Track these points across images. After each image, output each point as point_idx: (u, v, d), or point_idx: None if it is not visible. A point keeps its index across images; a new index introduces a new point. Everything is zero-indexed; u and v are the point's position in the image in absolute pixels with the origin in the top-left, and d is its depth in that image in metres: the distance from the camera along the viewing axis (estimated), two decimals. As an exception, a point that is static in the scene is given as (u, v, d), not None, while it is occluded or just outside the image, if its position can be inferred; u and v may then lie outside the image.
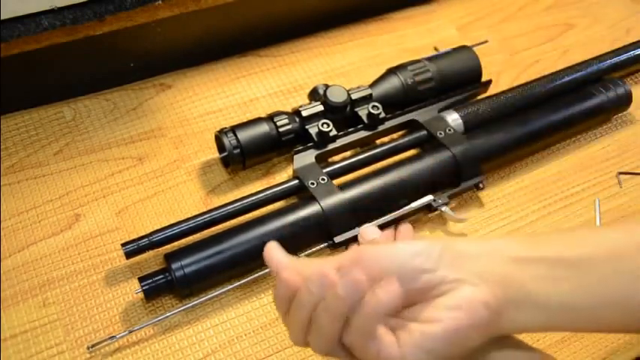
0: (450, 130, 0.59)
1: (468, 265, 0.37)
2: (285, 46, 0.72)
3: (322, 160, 0.58)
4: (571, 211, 0.60)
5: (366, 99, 0.60)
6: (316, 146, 0.57)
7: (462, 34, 0.77)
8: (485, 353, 0.39)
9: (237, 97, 0.67)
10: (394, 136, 0.62)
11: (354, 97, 0.59)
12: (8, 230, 0.54)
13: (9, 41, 0.55)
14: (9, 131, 0.61)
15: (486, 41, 0.73)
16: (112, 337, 0.47)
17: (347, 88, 0.59)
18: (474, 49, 0.65)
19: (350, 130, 0.59)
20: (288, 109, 0.64)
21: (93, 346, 0.47)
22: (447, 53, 0.64)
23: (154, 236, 0.50)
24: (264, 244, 0.50)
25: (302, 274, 0.38)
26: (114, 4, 0.58)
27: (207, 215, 0.52)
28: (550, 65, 0.74)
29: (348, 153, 0.61)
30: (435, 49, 0.74)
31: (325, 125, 0.57)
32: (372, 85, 0.61)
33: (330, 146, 0.58)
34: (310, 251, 0.53)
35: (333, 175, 0.56)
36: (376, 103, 0.59)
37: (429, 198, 0.55)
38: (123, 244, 0.49)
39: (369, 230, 0.50)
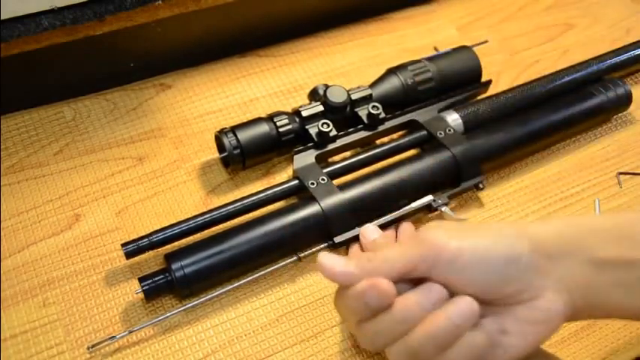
0: (450, 130, 0.59)
1: (552, 268, 0.37)
2: (285, 46, 0.72)
3: (322, 160, 0.58)
4: (571, 211, 0.60)
5: (366, 99, 0.60)
6: (316, 146, 0.57)
7: (462, 34, 0.77)
8: None
9: (237, 97, 0.67)
10: (394, 136, 0.62)
11: (354, 97, 0.59)
12: (8, 230, 0.54)
13: (9, 41, 0.55)
14: (9, 131, 0.61)
15: (486, 41, 0.73)
16: (112, 337, 0.47)
17: (347, 88, 0.59)
18: (474, 49, 0.65)
19: (350, 130, 0.59)
20: (288, 109, 0.64)
21: (93, 346, 0.47)
22: (447, 53, 0.64)
23: (153, 236, 0.50)
24: (264, 244, 0.51)
25: (390, 287, 0.36)
26: (114, 4, 0.58)
27: (207, 215, 0.52)
28: (550, 65, 0.74)
29: (348, 153, 0.61)
30: (435, 49, 0.74)
31: (325, 125, 0.57)
32: (372, 85, 0.61)
33: (330, 146, 0.58)
34: (310, 251, 0.53)
35: (333, 175, 0.56)
36: (376, 103, 0.59)
37: (429, 198, 0.55)
38: (123, 245, 0.49)
39: (369, 229, 0.50)
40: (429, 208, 0.56)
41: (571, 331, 0.52)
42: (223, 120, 0.64)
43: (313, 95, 0.60)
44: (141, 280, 0.49)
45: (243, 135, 0.56)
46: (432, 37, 0.76)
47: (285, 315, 0.51)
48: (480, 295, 0.37)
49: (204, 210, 0.53)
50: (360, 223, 0.54)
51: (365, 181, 0.55)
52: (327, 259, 0.38)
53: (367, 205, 0.54)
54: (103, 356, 0.48)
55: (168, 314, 0.49)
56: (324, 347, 0.50)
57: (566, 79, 0.65)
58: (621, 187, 0.63)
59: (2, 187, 0.57)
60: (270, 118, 0.57)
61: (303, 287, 0.53)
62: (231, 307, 0.51)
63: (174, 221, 0.52)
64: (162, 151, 0.61)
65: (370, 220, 0.54)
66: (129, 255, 0.49)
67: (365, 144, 0.61)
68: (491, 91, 0.66)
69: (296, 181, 0.55)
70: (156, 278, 0.49)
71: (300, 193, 0.56)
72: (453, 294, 0.37)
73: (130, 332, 0.48)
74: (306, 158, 0.57)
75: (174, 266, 0.48)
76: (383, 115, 0.59)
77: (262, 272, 0.52)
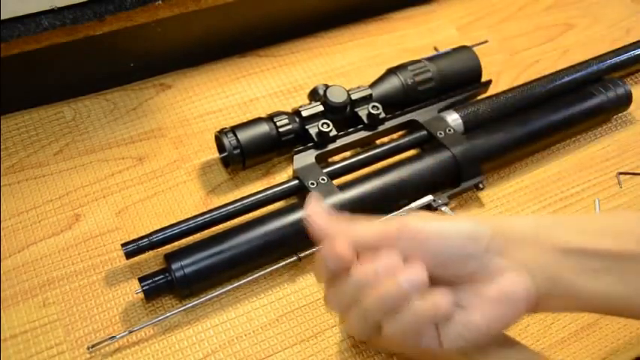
0: (450, 130, 0.59)
1: (514, 252, 0.38)
2: (285, 46, 0.72)
3: (322, 160, 0.58)
4: (571, 211, 0.60)
5: (366, 99, 0.60)
6: (316, 146, 0.57)
7: (462, 34, 0.77)
8: (484, 353, 0.39)
9: (237, 97, 0.67)
10: (394, 136, 0.62)
11: (354, 97, 0.59)
12: (8, 230, 0.54)
13: (9, 41, 0.55)
14: (9, 131, 0.61)
15: (486, 41, 0.73)
16: (112, 337, 0.47)
17: (347, 88, 0.59)
18: (474, 49, 0.65)
19: (350, 130, 0.59)
20: (288, 109, 0.64)
21: (93, 346, 0.47)
22: (447, 53, 0.64)
23: (153, 236, 0.50)
24: (264, 244, 0.51)
25: (354, 245, 0.38)
26: (114, 4, 0.58)
27: (207, 215, 0.52)
28: (550, 65, 0.74)
29: (348, 153, 0.61)
30: (435, 49, 0.74)
31: (325, 125, 0.57)
32: (372, 85, 0.61)
33: (330, 146, 0.58)
34: (310, 251, 0.53)
35: (333, 175, 0.56)
36: (376, 103, 0.59)
37: (429, 198, 0.55)
38: (123, 245, 0.49)
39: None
40: (429, 208, 0.56)
41: (571, 331, 0.52)
42: (223, 120, 0.64)
43: (313, 95, 0.60)
44: (141, 280, 0.49)
45: (243, 135, 0.56)
46: (432, 37, 0.76)
47: (285, 315, 0.51)
48: (441, 271, 0.38)
49: (204, 210, 0.53)
50: (360, 223, 0.54)
51: (365, 181, 0.55)
52: (316, 206, 0.41)
53: (367, 205, 0.54)
54: (103, 356, 0.48)
55: (168, 314, 0.49)
56: (324, 347, 0.50)
57: (566, 79, 0.65)
58: (621, 187, 0.63)
59: (2, 187, 0.57)
60: (270, 118, 0.57)
61: (303, 287, 0.53)
62: (231, 307, 0.51)
63: (174, 221, 0.52)
64: (162, 151, 0.61)
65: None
66: (129, 255, 0.49)
67: (365, 144, 0.61)
68: (491, 91, 0.66)
69: (296, 181, 0.55)
70: (156, 278, 0.49)
71: (300, 193, 0.56)
72: None
73: (130, 332, 0.48)
74: (306, 158, 0.57)
75: (174, 266, 0.48)
76: (383, 115, 0.59)
77: (262, 272, 0.52)
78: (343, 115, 0.59)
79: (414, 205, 0.55)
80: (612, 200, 0.61)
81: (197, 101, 0.66)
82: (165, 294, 0.51)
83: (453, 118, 0.60)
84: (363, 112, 0.59)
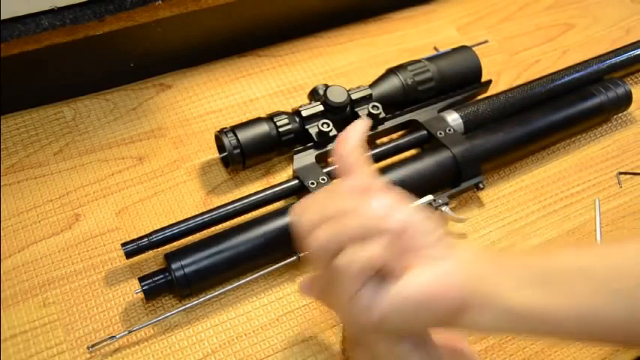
0: (450, 130, 0.59)
1: (459, 252, 0.38)
2: (285, 46, 0.72)
3: (322, 160, 0.58)
4: (571, 211, 0.60)
5: (366, 99, 0.60)
6: (316, 146, 0.57)
7: (462, 34, 0.77)
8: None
9: (237, 97, 0.67)
10: (394, 136, 0.62)
11: (354, 97, 0.59)
12: (8, 230, 0.54)
13: (9, 41, 0.55)
14: (9, 131, 0.61)
15: (486, 41, 0.73)
16: (112, 337, 0.47)
17: (347, 88, 0.59)
18: (474, 49, 0.65)
19: (350, 130, 0.59)
20: (288, 109, 0.64)
21: (93, 346, 0.47)
22: (446, 53, 0.64)
23: (153, 236, 0.50)
24: (264, 244, 0.51)
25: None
26: (114, 4, 0.58)
27: (207, 215, 0.52)
28: (550, 65, 0.74)
29: (348, 153, 0.60)
30: (435, 49, 0.74)
31: (325, 125, 0.57)
32: (372, 85, 0.61)
33: (330, 146, 0.58)
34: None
35: (333, 175, 0.56)
36: (376, 103, 0.59)
37: (429, 198, 0.55)
38: (123, 244, 0.49)
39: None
40: (429, 208, 0.56)
41: (571, 331, 0.52)
42: (223, 120, 0.64)
43: (313, 95, 0.60)
44: (141, 279, 0.49)
45: (243, 135, 0.56)
46: (432, 37, 0.76)
47: (285, 315, 0.51)
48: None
49: (204, 210, 0.53)
50: (360, 223, 0.54)
51: (365, 181, 0.55)
52: (356, 131, 0.42)
53: (367, 205, 0.54)
54: (103, 356, 0.48)
55: (168, 314, 0.49)
56: (324, 347, 0.50)
57: (566, 79, 0.65)
58: (621, 187, 0.63)
59: (2, 187, 0.57)
60: (270, 118, 0.57)
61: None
62: (231, 307, 0.51)
63: (174, 221, 0.52)
64: (162, 151, 0.61)
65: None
66: (129, 255, 0.49)
67: (365, 144, 0.61)
68: (491, 91, 0.66)
69: (296, 181, 0.55)
70: (156, 278, 0.49)
71: (300, 193, 0.56)
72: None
73: (130, 332, 0.48)
74: (306, 158, 0.57)
75: (174, 266, 0.48)
76: (383, 115, 0.59)
77: (262, 272, 0.52)
78: (343, 114, 0.59)
79: (414, 204, 0.55)
80: (612, 200, 0.61)
81: (197, 101, 0.66)
82: (165, 294, 0.51)
83: (453, 118, 0.60)
84: (363, 112, 0.59)
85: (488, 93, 0.65)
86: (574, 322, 0.36)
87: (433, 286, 0.37)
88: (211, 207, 0.53)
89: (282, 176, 0.60)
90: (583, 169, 0.64)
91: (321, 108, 0.58)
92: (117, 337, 0.48)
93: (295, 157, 0.57)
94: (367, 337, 0.40)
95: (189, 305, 0.50)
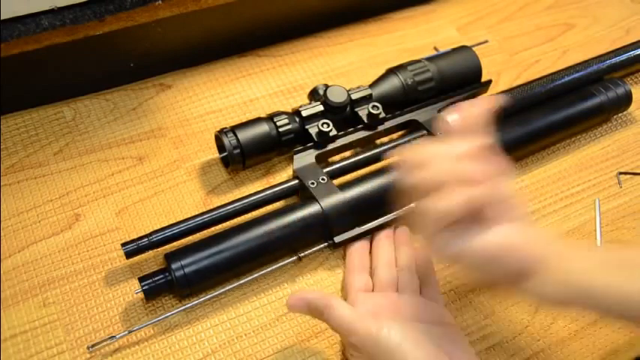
0: (450, 130, 0.59)
1: (538, 229, 0.43)
2: (285, 46, 0.72)
3: (322, 160, 0.58)
4: (571, 211, 0.60)
5: (366, 99, 0.60)
6: (316, 146, 0.57)
7: (462, 34, 0.77)
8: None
9: (237, 97, 0.67)
10: (394, 136, 0.62)
11: (354, 97, 0.59)
12: (8, 230, 0.54)
13: (9, 41, 0.55)
14: (9, 131, 0.61)
15: (486, 41, 0.73)
16: (112, 337, 0.47)
17: (347, 88, 0.59)
18: (474, 49, 0.65)
19: (350, 130, 0.59)
20: (288, 109, 0.64)
21: (93, 346, 0.47)
22: (446, 53, 0.64)
23: (153, 236, 0.50)
24: (264, 244, 0.51)
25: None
26: (114, 4, 0.58)
27: (207, 215, 0.52)
28: (550, 65, 0.74)
29: (348, 153, 0.61)
30: (435, 49, 0.74)
31: (325, 125, 0.57)
32: (372, 85, 0.61)
33: (330, 146, 0.58)
34: (310, 251, 0.53)
35: (333, 175, 0.56)
36: (376, 103, 0.59)
37: (429, 198, 0.55)
38: (123, 244, 0.49)
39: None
40: (429, 208, 0.56)
41: (571, 331, 0.52)
42: (223, 120, 0.64)
43: (313, 95, 0.60)
44: (141, 279, 0.49)
45: (243, 135, 0.56)
46: (432, 37, 0.76)
47: (285, 315, 0.51)
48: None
49: (204, 210, 0.53)
50: (360, 223, 0.54)
51: (365, 181, 0.55)
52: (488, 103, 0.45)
53: (367, 205, 0.54)
54: (103, 356, 0.48)
55: (168, 314, 0.49)
56: (324, 347, 0.50)
57: (566, 79, 0.65)
58: (621, 187, 0.63)
59: (2, 187, 0.57)
60: (270, 118, 0.57)
61: (303, 287, 0.53)
62: (231, 307, 0.51)
63: (174, 221, 0.52)
64: (162, 151, 0.61)
65: (370, 220, 0.54)
66: (129, 255, 0.49)
67: (365, 144, 0.61)
68: (491, 91, 0.66)
69: (296, 181, 0.55)
70: (156, 278, 0.49)
71: (300, 193, 0.56)
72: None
73: (130, 332, 0.48)
74: (306, 158, 0.57)
75: (174, 266, 0.48)
76: (383, 114, 0.59)
77: (262, 272, 0.52)
78: (343, 115, 0.59)
79: (414, 205, 0.55)
80: (612, 200, 0.61)
81: (197, 101, 0.66)
82: (165, 294, 0.51)
83: (453, 118, 0.60)
84: (363, 112, 0.59)
85: (488, 93, 0.65)
86: (635, 304, 0.39)
87: (509, 243, 0.41)
88: (211, 207, 0.53)
89: (282, 176, 0.60)
90: (583, 169, 0.64)
91: (321, 108, 0.58)
92: (117, 337, 0.48)
93: (295, 157, 0.56)
94: (365, 342, 0.42)
95: (189, 305, 0.50)
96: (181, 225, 0.51)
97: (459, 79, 0.63)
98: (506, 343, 0.51)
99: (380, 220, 0.54)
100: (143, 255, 0.51)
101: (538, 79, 0.65)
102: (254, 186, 0.59)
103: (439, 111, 0.61)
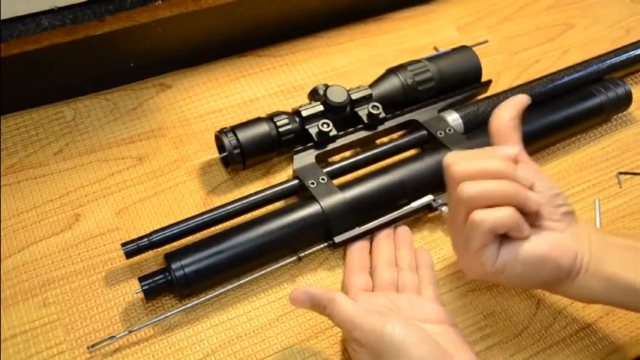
0: (450, 130, 0.59)
1: (575, 227, 0.44)
2: (285, 46, 0.72)
3: (322, 160, 0.58)
4: (571, 211, 0.60)
5: (366, 99, 0.60)
6: (316, 146, 0.57)
7: (462, 34, 0.77)
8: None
9: (237, 97, 0.67)
10: (394, 136, 0.62)
11: (354, 97, 0.59)
12: (8, 230, 0.54)
13: (9, 41, 0.55)
14: (9, 131, 0.61)
15: (486, 41, 0.73)
16: (112, 337, 0.47)
17: (347, 88, 0.59)
18: (474, 49, 0.65)
19: (350, 130, 0.59)
20: (288, 109, 0.64)
21: (93, 346, 0.47)
22: (446, 53, 0.64)
23: (153, 236, 0.50)
24: (264, 244, 0.51)
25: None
26: (114, 4, 0.58)
27: (207, 215, 0.52)
28: (550, 65, 0.74)
29: (348, 153, 0.61)
30: (435, 49, 0.74)
31: (325, 125, 0.57)
32: (372, 85, 0.61)
33: (330, 146, 0.58)
34: (310, 251, 0.53)
35: (333, 175, 0.56)
36: (376, 103, 0.59)
37: (429, 198, 0.55)
38: (123, 244, 0.49)
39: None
40: (429, 208, 0.56)
41: (571, 331, 0.52)
42: (223, 120, 0.64)
43: (313, 95, 0.60)
44: (141, 279, 0.49)
45: (243, 135, 0.56)
46: (432, 37, 0.76)
47: (285, 315, 0.51)
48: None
49: (204, 210, 0.53)
50: (360, 223, 0.54)
51: (365, 181, 0.55)
52: (515, 106, 0.48)
53: (367, 205, 0.54)
54: (103, 356, 0.48)
55: (168, 314, 0.49)
56: (324, 347, 0.50)
57: (566, 79, 0.65)
58: (621, 187, 0.62)
59: (2, 187, 0.57)
60: (270, 118, 0.57)
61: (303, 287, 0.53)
62: (231, 307, 0.51)
63: (174, 221, 0.52)
64: (162, 151, 0.61)
65: (370, 220, 0.54)
66: (129, 255, 0.49)
67: (365, 144, 0.61)
68: (491, 91, 0.66)
69: (296, 181, 0.55)
70: (156, 278, 0.49)
71: (300, 193, 0.56)
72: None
73: (130, 332, 0.48)
74: (306, 158, 0.57)
75: (174, 266, 0.48)
76: (383, 115, 0.59)
77: (262, 272, 0.52)
78: (343, 115, 0.59)
79: (414, 205, 0.55)
80: (612, 200, 0.61)
81: (197, 101, 0.66)
82: (165, 294, 0.51)
83: (453, 118, 0.60)
84: (363, 112, 0.59)
85: (489, 93, 0.65)
86: None
87: (550, 251, 0.42)
88: (211, 207, 0.53)
89: (282, 176, 0.60)
90: (583, 169, 0.64)
91: (321, 108, 0.58)
92: (117, 337, 0.48)
93: (295, 157, 0.57)
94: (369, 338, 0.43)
95: (189, 305, 0.50)
96: (181, 225, 0.51)
97: (459, 79, 0.63)
98: (506, 343, 0.51)
99: (380, 220, 0.54)
100: (143, 255, 0.51)
101: (538, 79, 0.65)
102: (254, 186, 0.59)
103: (439, 111, 0.61)
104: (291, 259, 0.52)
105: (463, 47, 0.65)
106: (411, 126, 0.61)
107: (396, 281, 0.51)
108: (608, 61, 0.68)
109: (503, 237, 0.43)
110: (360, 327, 0.43)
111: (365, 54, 0.73)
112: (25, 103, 0.62)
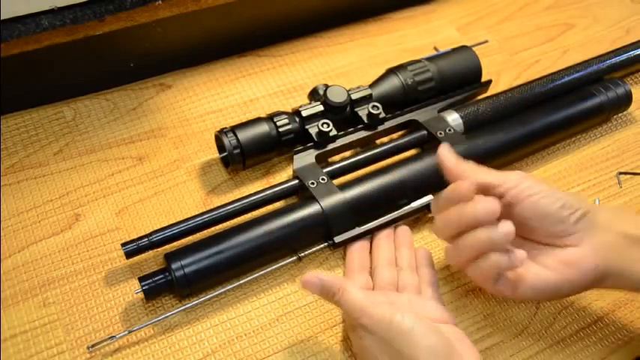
0: (450, 130, 0.59)
1: (593, 234, 0.45)
2: (285, 46, 0.72)
3: (322, 160, 0.58)
4: (571, 211, 0.60)
5: (366, 99, 0.60)
6: (316, 146, 0.57)
7: (462, 34, 0.77)
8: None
9: (237, 97, 0.67)
10: (394, 136, 0.62)
11: (354, 97, 0.59)
12: (8, 230, 0.54)
13: (9, 41, 0.55)
14: (9, 131, 0.61)
15: (486, 41, 0.74)
16: (112, 337, 0.47)
17: (347, 88, 0.59)
18: (474, 49, 0.65)
19: (350, 130, 0.59)
20: (288, 109, 0.64)
21: (93, 346, 0.47)
22: (446, 53, 0.64)
23: (153, 236, 0.50)
24: (264, 244, 0.51)
25: (478, 186, 0.45)
26: (114, 4, 0.58)
27: (207, 215, 0.52)
28: (550, 65, 0.74)
29: (348, 153, 0.61)
30: (435, 49, 0.74)
31: (325, 125, 0.57)
32: (372, 85, 0.61)
33: (330, 146, 0.58)
34: (310, 251, 0.53)
35: (333, 175, 0.56)
36: (376, 103, 0.59)
37: (429, 198, 0.55)
38: (123, 244, 0.49)
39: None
40: (429, 208, 0.56)
41: (571, 331, 0.52)
42: (223, 120, 0.64)
43: (313, 95, 0.60)
44: (141, 279, 0.49)
45: (243, 135, 0.56)
46: (432, 37, 0.76)
47: (285, 315, 0.51)
48: (536, 223, 0.45)
49: (204, 210, 0.53)
50: (360, 223, 0.54)
51: (365, 181, 0.55)
52: (448, 153, 0.47)
53: (367, 205, 0.54)
54: (103, 356, 0.48)
55: (168, 314, 0.49)
56: (324, 347, 0.50)
57: (566, 79, 0.65)
58: (621, 187, 0.63)
59: (2, 187, 0.57)
60: (270, 118, 0.57)
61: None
62: (231, 307, 0.51)
63: (174, 221, 0.52)
64: (162, 151, 0.61)
65: (370, 220, 0.54)
66: (129, 255, 0.49)
67: (365, 144, 0.61)
68: (492, 91, 0.66)
69: (296, 181, 0.55)
70: (156, 278, 0.49)
71: (300, 193, 0.56)
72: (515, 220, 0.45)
73: (130, 332, 0.48)
74: (306, 158, 0.57)
75: (174, 266, 0.48)
76: (383, 114, 0.59)
77: (262, 272, 0.52)
78: (343, 115, 0.59)
79: (414, 205, 0.55)
80: (612, 200, 0.61)
81: (197, 101, 0.66)
82: (165, 294, 0.51)
83: (453, 118, 0.60)
84: (363, 112, 0.59)
85: (489, 93, 0.65)
86: None
87: (561, 274, 0.44)
88: (211, 207, 0.53)
89: (282, 176, 0.60)
90: (583, 169, 0.64)
91: (321, 108, 0.58)
92: (117, 337, 0.48)
93: (295, 157, 0.57)
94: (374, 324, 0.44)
95: (189, 305, 0.50)
96: (181, 225, 0.51)
97: (459, 79, 0.63)
98: (506, 343, 0.51)
99: (380, 220, 0.54)
100: (143, 255, 0.51)
101: (538, 79, 0.65)
102: (254, 186, 0.59)
103: (439, 111, 0.62)
104: (291, 259, 0.52)
105: (463, 47, 0.65)
106: (411, 126, 0.61)
107: (396, 281, 0.51)
108: (608, 61, 0.68)
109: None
110: (369, 315, 0.43)
111: (365, 54, 0.73)
112: (25, 103, 0.62)
